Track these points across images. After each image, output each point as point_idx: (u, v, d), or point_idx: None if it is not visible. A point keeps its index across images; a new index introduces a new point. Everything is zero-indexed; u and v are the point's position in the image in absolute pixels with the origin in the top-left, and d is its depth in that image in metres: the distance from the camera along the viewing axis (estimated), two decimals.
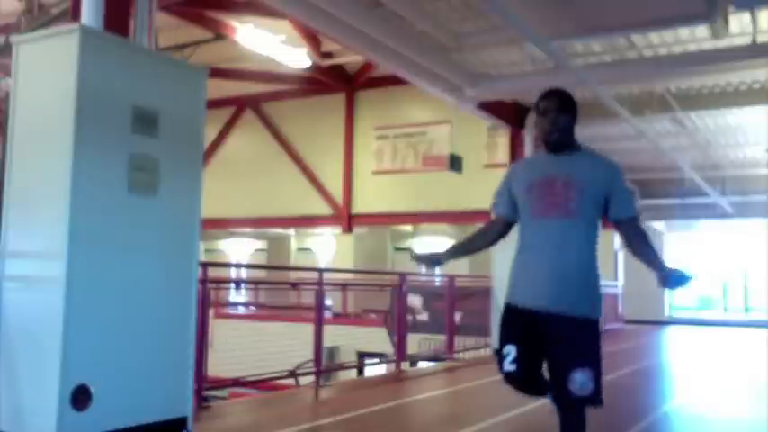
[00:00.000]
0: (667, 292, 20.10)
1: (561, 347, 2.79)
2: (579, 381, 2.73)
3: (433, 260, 3.21)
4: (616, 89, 10.31)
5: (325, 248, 22.58)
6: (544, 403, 3.15)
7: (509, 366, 2.86)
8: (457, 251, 3.21)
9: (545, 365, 2.88)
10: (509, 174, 3.12)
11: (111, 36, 3.94)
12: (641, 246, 2.87)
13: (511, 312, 2.95)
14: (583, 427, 2.89)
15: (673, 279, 2.75)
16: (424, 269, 3.36)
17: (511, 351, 2.85)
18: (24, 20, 9.56)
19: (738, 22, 8.02)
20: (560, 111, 2.88)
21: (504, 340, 2.92)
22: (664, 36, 8.56)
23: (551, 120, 2.87)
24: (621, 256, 16.85)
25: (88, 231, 3.51)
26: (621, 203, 2.88)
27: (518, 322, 2.92)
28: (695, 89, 10.91)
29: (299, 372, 7.10)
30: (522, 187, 2.98)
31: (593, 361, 2.79)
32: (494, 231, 3.15)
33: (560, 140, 2.90)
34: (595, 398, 2.79)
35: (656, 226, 19.57)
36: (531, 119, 11.11)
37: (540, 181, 2.92)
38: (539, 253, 2.90)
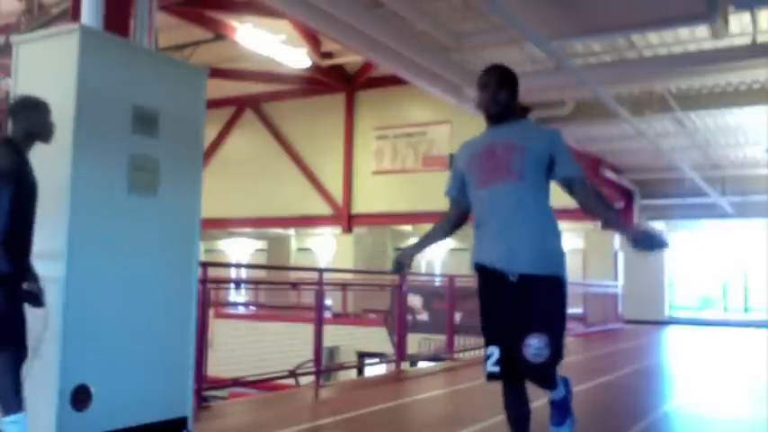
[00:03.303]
0: (667, 291, 20.15)
1: (522, 310, 2.79)
2: (534, 346, 2.70)
3: (404, 263, 3.19)
4: (616, 89, 10.31)
5: (325, 248, 22.58)
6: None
7: (492, 368, 2.86)
8: (421, 245, 3.26)
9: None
10: (456, 155, 3.16)
11: (111, 36, 3.94)
12: (598, 204, 2.88)
13: (484, 287, 2.95)
14: (551, 383, 2.90)
15: (645, 241, 2.71)
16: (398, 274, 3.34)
17: (494, 353, 2.86)
18: (24, 20, 9.58)
19: (738, 22, 8.02)
20: (500, 85, 2.96)
21: (488, 339, 2.92)
22: (664, 36, 8.57)
23: (491, 94, 2.96)
24: (621, 256, 16.86)
25: (88, 231, 3.51)
26: (566, 162, 2.90)
27: (495, 308, 2.91)
28: (695, 89, 10.91)
29: (299, 372, 7.10)
30: (465, 162, 3.04)
31: (550, 325, 2.76)
32: (450, 217, 3.20)
33: (500, 113, 2.98)
34: (551, 363, 2.76)
35: (656, 226, 19.57)
36: (531, 119, 11.11)
37: (480, 151, 2.98)
38: (491, 220, 2.91)
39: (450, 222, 3.20)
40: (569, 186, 2.92)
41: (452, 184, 3.14)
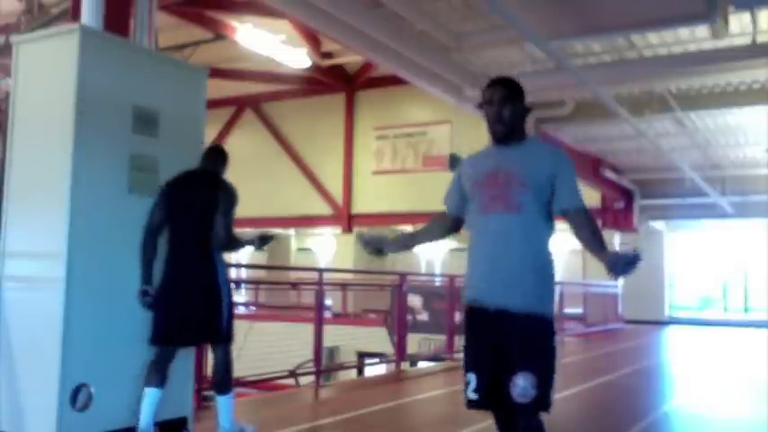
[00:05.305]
0: (667, 291, 20.15)
1: (509, 348, 2.69)
2: (521, 386, 2.60)
3: (377, 246, 3.10)
4: (616, 89, 10.30)
5: (325, 248, 22.58)
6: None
7: (471, 395, 2.76)
8: (404, 243, 3.17)
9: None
10: (460, 169, 3.02)
11: (111, 36, 3.94)
12: (588, 239, 2.75)
13: (470, 319, 2.86)
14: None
15: (619, 266, 2.58)
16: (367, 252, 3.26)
17: (472, 380, 2.76)
18: (24, 20, 9.57)
19: (738, 22, 8.01)
20: (506, 101, 2.77)
21: (467, 366, 2.82)
22: (664, 36, 8.56)
23: (496, 110, 2.78)
24: None
25: (88, 231, 3.51)
26: (565, 193, 2.76)
27: (478, 338, 2.82)
28: (695, 89, 10.90)
29: (299, 372, 7.10)
30: (469, 184, 2.90)
31: (539, 365, 2.65)
32: (442, 227, 3.08)
33: (505, 131, 2.80)
34: (538, 405, 2.64)
35: (656, 226, 19.57)
36: (531, 119, 11.11)
37: (484, 176, 2.83)
38: (485, 250, 2.81)
39: (442, 231, 3.10)
40: (565, 216, 2.80)
41: (452, 199, 3.00)
